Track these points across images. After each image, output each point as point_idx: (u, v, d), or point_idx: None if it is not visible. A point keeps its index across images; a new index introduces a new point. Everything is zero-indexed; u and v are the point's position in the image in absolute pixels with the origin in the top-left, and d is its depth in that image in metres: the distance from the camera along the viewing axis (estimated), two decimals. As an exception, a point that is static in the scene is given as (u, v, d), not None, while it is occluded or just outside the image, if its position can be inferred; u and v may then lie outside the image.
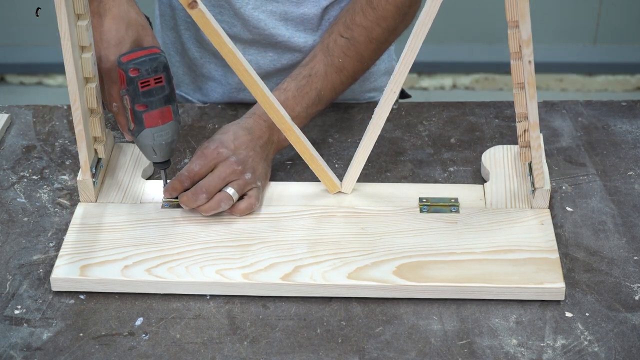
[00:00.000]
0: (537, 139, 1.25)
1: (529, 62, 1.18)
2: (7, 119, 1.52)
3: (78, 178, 1.31)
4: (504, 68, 3.32)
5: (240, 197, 1.30)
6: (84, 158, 1.29)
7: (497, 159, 1.39)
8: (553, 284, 1.19)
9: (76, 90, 1.24)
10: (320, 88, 1.39)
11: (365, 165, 1.36)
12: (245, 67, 1.20)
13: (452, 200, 1.32)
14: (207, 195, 1.28)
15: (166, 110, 1.25)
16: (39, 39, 3.35)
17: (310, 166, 1.32)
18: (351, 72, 1.41)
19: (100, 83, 1.31)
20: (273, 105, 1.24)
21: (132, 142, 1.34)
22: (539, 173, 1.28)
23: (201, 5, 1.14)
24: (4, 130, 1.51)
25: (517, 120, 1.26)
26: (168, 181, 1.31)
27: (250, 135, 1.33)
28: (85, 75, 1.26)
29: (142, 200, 1.34)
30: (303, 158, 1.31)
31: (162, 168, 1.30)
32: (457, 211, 1.31)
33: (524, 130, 1.27)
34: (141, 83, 1.22)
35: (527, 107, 1.23)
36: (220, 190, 1.28)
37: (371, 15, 1.38)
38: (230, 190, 1.28)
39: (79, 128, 1.27)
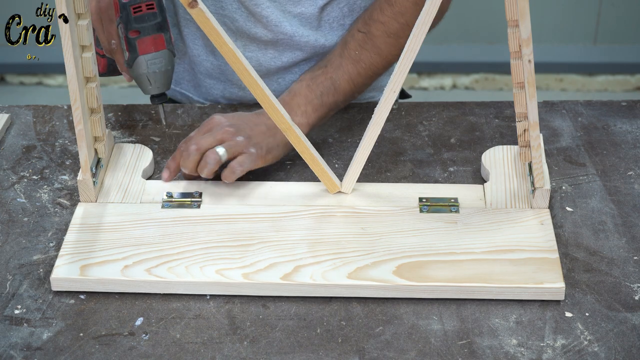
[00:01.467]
0: (537, 139, 1.25)
1: (529, 61, 1.18)
2: (7, 119, 1.52)
3: (78, 178, 1.31)
4: (504, 68, 3.32)
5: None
6: (84, 157, 1.29)
7: (497, 159, 1.39)
8: (553, 284, 1.19)
9: (76, 89, 1.24)
10: (335, 77, 1.43)
11: (365, 165, 1.36)
12: (245, 66, 1.20)
13: (452, 200, 1.32)
14: (196, 148, 1.31)
15: (159, 37, 1.29)
16: (39, 39, 3.34)
17: (310, 166, 1.32)
18: (368, 64, 1.44)
19: (98, 26, 1.34)
20: (272, 104, 1.25)
21: (131, 80, 1.37)
22: (539, 173, 1.28)
23: (201, 5, 1.14)
24: (4, 130, 1.51)
25: (517, 119, 1.26)
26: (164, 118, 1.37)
27: (256, 116, 1.37)
28: (85, 74, 1.26)
29: (142, 201, 1.34)
30: (303, 158, 1.31)
31: (159, 102, 1.35)
32: (457, 211, 1.31)
33: (524, 130, 1.27)
34: (133, 8, 1.27)
35: (527, 106, 1.23)
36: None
37: (388, 11, 1.42)
38: (220, 150, 1.31)
39: (79, 127, 1.27)
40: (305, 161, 1.32)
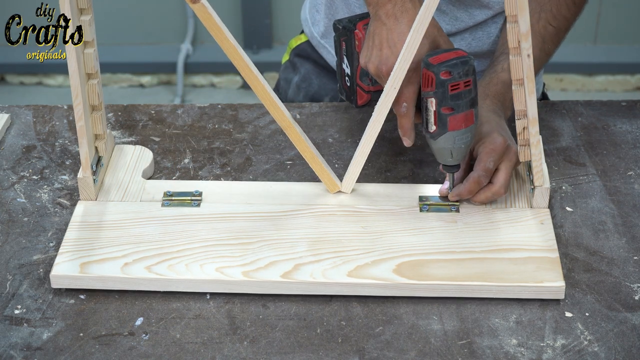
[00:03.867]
0: (536, 135, 1.25)
1: (528, 55, 1.19)
2: (7, 119, 1.52)
3: (78, 175, 1.31)
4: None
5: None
6: (85, 154, 1.29)
7: (497, 159, 1.39)
8: (553, 283, 1.19)
9: (78, 85, 1.24)
10: (534, 72, 1.42)
11: (365, 165, 1.35)
12: (246, 63, 1.20)
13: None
14: (506, 192, 1.31)
15: (470, 113, 1.24)
16: (39, 39, 3.34)
17: (310, 165, 1.32)
18: (548, 59, 1.49)
19: (382, 83, 1.29)
20: (274, 102, 1.24)
21: (408, 146, 1.32)
22: (538, 171, 1.28)
23: (203, 1, 1.13)
24: (4, 130, 1.51)
25: (516, 117, 1.26)
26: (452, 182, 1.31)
27: (501, 119, 1.35)
28: (87, 70, 1.26)
29: (142, 199, 1.34)
30: (303, 156, 1.31)
31: (451, 171, 1.29)
32: (457, 210, 1.31)
33: (523, 128, 1.27)
34: (451, 86, 1.21)
35: (527, 102, 1.23)
36: None
37: (572, 9, 1.46)
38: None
39: (80, 123, 1.27)
40: (306, 160, 1.32)
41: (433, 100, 1.23)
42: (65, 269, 1.21)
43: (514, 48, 1.20)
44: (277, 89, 1.74)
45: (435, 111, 1.23)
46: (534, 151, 1.26)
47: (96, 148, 1.34)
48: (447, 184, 1.31)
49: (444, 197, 1.32)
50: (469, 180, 1.29)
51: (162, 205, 1.32)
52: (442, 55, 1.22)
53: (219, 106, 1.57)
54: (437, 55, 1.22)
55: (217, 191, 1.35)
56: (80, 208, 1.31)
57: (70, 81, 1.24)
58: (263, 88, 1.23)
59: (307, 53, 1.69)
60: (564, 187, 1.38)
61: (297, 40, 1.73)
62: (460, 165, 1.30)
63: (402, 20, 1.26)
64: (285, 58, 1.75)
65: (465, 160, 1.32)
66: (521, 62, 1.20)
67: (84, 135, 1.27)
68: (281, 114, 1.26)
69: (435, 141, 1.26)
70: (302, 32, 1.73)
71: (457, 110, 1.23)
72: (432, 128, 1.25)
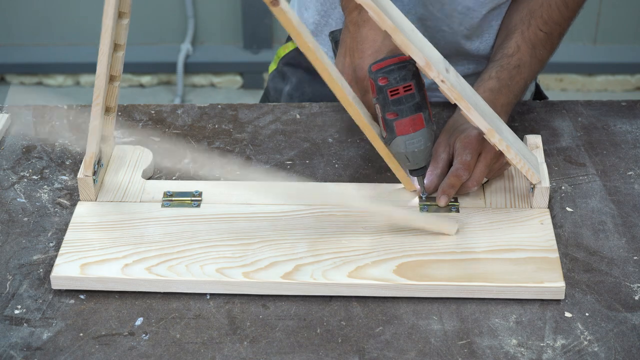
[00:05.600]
0: (501, 142, 1.23)
1: (442, 81, 1.16)
2: (7, 119, 1.52)
3: (78, 175, 1.31)
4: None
5: None
6: (90, 154, 1.29)
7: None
8: (553, 283, 1.19)
9: (103, 85, 1.24)
10: (527, 79, 1.43)
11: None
12: (326, 65, 1.17)
13: (452, 200, 1.32)
14: (477, 186, 1.31)
15: (417, 117, 1.24)
16: (39, 39, 3.35)
17: (387, 164, 1.31)
18: (543, 65, 1.47)
19: (355, 91, 1.30)
20: (352, 105, 1.22)
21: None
22: (527, 170, 1.27)
23: (283, 4, 1.10)
24: (4, 130, 1.51)
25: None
26: (423, 186, 1.31)
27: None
28: (112, 73, 1.27)
29: (142, 200, 1.34)
30: (381, 155, 1.30)
31: (417, 175, 1.29)
32: (457, 210, 1.31)
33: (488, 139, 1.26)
34: (390, 91, 1.22)
35: (472, 119, 1.21)
36: None
37: (565, 14, 1.45)
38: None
39: (94, 123, 1.27)
40: (383, 158, 1.30)
41: (378, 106, 1.24)
42: (66, 270, 1.21)
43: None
44: (266, 98, 1.73)
45: (382, 117, 1.24)
46: (510, 156, 1.25)
47: (100, 149, 1.34)
48: (418, 187, 1.32)
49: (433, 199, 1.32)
50: (449, 175, 1.30)
51: (162, 205, 1.32)
52: (384, 61, 1.23)
53: (219, 106, 1.57)
54: (380, 62, 1.23)
55: (217, 191, 1.35)
56: (80, 208, 1.31)
57: (96, 82, 1.24)
58: (342, 91, 1.19)
59: (297, 61, 1.68)
60: (564, 187, 1.38)
61: (285, 49, 1.71)
62: (427, 168, 1.29)
63: (363, 28, 1.27)
64: (273, 67, 1.73)
65: (442, 163, 1.32)
66: (442, 90, 1.19)
67: (95, 135, 1.27)
68: (359, 115, 1.23)
69: (389, 146, 1.27)
70: (289, 39, 1.72)
71: (402, 115, 1.23)
72: (384, 134, 1.26)
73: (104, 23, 1.20)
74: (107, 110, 1.31)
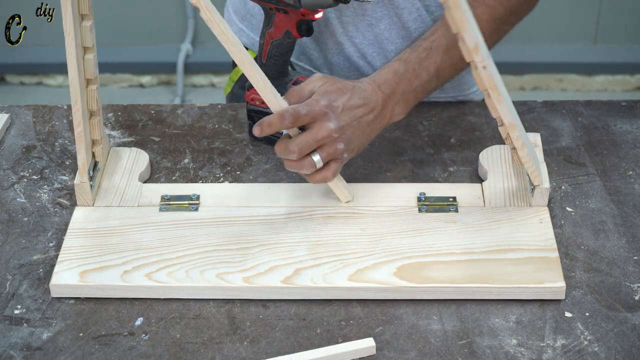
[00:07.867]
0: (518, 139, 1.23)
1: (484, 67, 1.14)
2: (7, 119, 1.52)
3: (75, 182, 1.30)
4: (503, 68, 3.31)
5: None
6: (82, 161, 1.28)
7: (495, 158, 1.39)
8: (553, 283, 1.19)
9: (78, 91, 1.23)
10: (440, 62, 1.36)
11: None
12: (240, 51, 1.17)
13: (451, 200, 1.32)
14: (297, 155, 1.24)
15: None
16: (39, 39, 3.35)
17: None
18: (507, 26, 1.41)
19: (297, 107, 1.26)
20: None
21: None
22: (532, 171, 1.28)
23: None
24: (4, 130, 1.51)
25: (498, 124, 1.24)
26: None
27: (363, 106, 1.28)
28: (87, 76, 1.26)
29: (140, 204, 1.33)
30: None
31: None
32: (456, 210, 1.31)
33: (507, 134, 1.25)
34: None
35: (498, 110, 1.20)
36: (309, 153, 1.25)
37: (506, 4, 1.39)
38: (316, 158, 1.24)
39: (79, 130, 1.26)
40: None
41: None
42: (65, 278, 1.21)
43: (472, 62, 1.16)
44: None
45: None
46: (522, 154, 1.25)
47: (93, 153, 1.33)
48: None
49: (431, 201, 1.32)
50: (276, 112, 1.24)
51: (160, 209, 1.32)
52: None
53: (219, 106, 1.57)
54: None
55: (214, 194, 1.34)
56: (77, 214, 1.31)
57: (70, 88, 1.23)
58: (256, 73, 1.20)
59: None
60: (563, 187, 1.38)
61: (237, 73, 1.66)
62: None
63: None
64: (228, 90, 1.69)
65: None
66: (479, 75, 1.17)
67: (82, 142, 1.27)
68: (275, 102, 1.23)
69: None
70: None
71: None
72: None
73: (64, 28, 1.18)
74: (90, 114, 1.29)
